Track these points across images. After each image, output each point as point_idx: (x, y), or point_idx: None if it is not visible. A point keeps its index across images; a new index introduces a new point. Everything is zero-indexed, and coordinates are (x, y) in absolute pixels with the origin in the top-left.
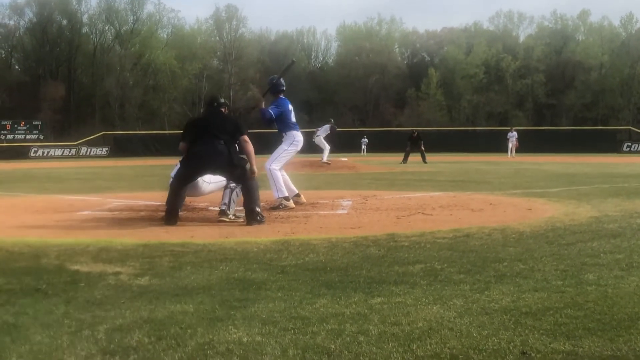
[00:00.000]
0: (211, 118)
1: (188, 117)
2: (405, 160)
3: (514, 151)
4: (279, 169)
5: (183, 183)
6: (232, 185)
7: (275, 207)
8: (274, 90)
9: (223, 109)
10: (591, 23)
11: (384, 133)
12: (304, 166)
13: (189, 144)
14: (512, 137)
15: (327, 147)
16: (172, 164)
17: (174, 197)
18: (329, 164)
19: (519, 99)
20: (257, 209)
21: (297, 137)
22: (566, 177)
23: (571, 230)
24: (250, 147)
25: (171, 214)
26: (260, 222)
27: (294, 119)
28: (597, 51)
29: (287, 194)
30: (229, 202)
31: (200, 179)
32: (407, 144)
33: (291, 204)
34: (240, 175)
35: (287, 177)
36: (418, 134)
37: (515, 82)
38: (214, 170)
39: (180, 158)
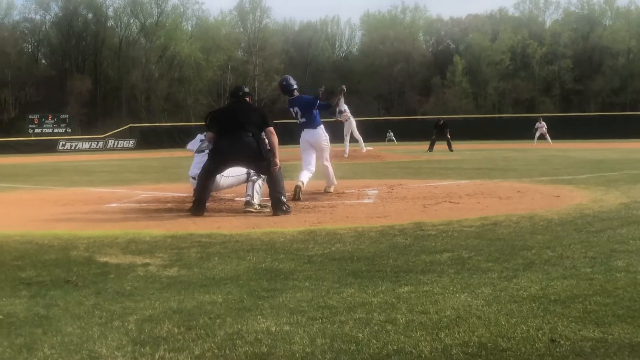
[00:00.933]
0: (237, 108)
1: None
2: (431, 148)
3: (544, 137)
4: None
5: (211, 175)
6: (254, 177)
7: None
8: (286, 90)
9: (248, 99)
10: (618, 7)
11: (408, 122)
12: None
13: (216, 135)
14: (542, 127)
15: (359, 137)
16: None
17: (202, 188)
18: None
19: (545, 85)
20: (283, 199)
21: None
22: (594, 164)
23: (600, 217)
24: (275, 139)
25: (198, 205)
26: (287, 212)
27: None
28: (625, 36)
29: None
30: (253, 192)
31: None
32: (433, 132)
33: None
34: (267, 167)
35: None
36: (444, 121)
37: (541, 68)
38: (241, 163)
39: (190, 144)
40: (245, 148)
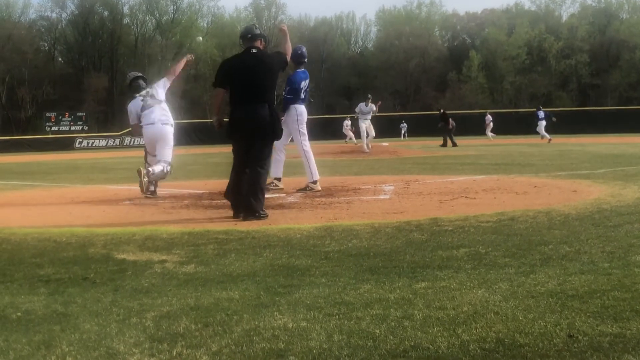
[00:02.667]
0: (249, 59)
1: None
2: (444, 143)
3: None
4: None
5: (243, 168)
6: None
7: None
8: (297, 60)
9: (260, 43)
10: (635, 1)
11: (425, 117)
12: (343, 152)
13: (232, 101)
14: (489, 122)
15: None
16: (213, 152)
17: (235, 191)
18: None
19: (562, 80)
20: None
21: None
22: (611, 158)
23: (618, 211)
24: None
25: (237, 208)
26: (260, 217)
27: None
28: None
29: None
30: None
31: None
32: (439, 125)
33: (317, 186)
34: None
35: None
36: (444, 111)
37: (558, 63)
38: (255, 140)
39: (132, 114)
40: (259, 121)
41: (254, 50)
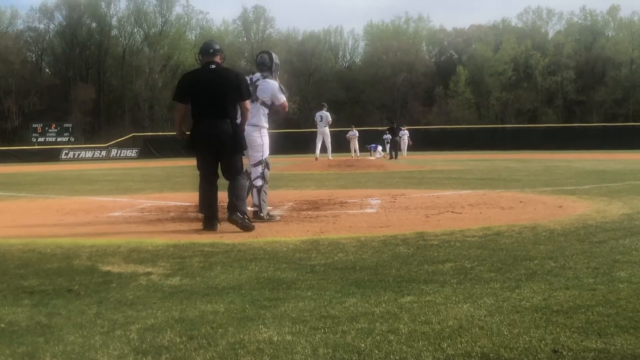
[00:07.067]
0: (209, 74)
1: None
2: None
3: (405, 151)
4: None
5: (211, 180)
6: (257, 181)
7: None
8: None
9: (218, 58)
10: (621, 18)
11: (411, 132)
12: (330, 166)
13: (194, 115)
14: (404, 135)
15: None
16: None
17: (208, 204)
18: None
19: (548, 96)
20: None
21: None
22: (597, 174)
23: (603, 227)
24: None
25: (210, 220)
26: (245, 222)
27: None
28: (628, 47)
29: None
30: (260, 202)
31: None
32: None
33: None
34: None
35: None
36: (395, 123)
37: (544, 79)
38: (219, 153)
39: None
40: (222, 136)
41: (213, 66)
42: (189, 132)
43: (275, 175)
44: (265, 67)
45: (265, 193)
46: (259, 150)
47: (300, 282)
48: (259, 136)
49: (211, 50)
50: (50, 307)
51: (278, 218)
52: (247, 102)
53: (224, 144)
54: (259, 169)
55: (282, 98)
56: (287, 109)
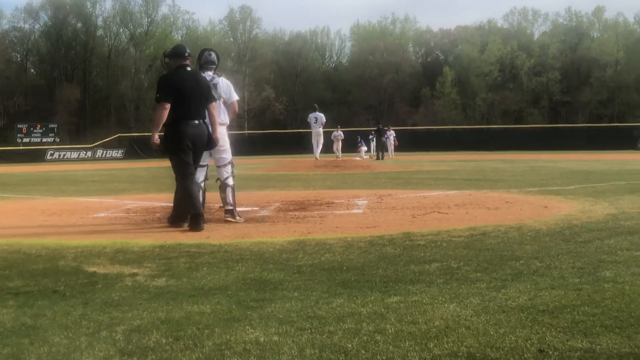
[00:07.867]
0: (190, 76)
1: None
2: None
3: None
4: None
5: (192, 178)
6: (228, 180)
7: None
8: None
9: (188, 61)
10: (606, 19)
11: (398, 132)
12: (317, 167)
13: (175, 116)
14: (390, 136)
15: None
16: None
17: (193, 202)
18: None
19: (534, 97)
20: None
21: None
22: (582, 175)
23: (588, 227)
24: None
25: (197, 218)
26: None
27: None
28: (613, 48)
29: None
30: (234, 201)
31: None
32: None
33: None
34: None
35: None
36: (381, 123)
37: (530, 80)
38: (198, 151)
39: None
40: (204, 136)
41: (189, 69)
42: (161, 134)
43: (261, 176)
44: (214, 65)
45: (234, 190)
46: (229, 150)
47: (287, 283)
48: (227, 134)
49: (186, 54)
50: (35, 308)
51: (242, 220)
52: (215, 104)
53: (203, 145)
54: (229, 168)
55: (237, 96)
56: (237, 109)
